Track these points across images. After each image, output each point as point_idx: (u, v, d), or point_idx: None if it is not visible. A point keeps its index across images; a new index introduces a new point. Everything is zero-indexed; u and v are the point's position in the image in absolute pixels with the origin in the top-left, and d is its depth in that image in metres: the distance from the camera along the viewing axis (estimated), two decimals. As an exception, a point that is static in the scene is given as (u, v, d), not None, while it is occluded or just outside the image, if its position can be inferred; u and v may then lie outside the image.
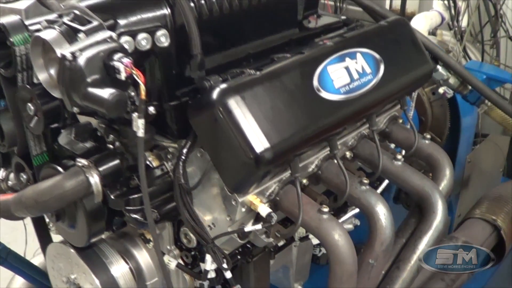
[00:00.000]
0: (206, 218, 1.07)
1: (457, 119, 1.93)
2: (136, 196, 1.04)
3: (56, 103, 1.06)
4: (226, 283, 1.11)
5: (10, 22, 1.03)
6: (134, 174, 1.06)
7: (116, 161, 1.05)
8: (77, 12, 0.97)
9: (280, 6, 1.19)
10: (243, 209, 1.02)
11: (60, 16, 0.99)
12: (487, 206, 1.70)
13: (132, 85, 0.91)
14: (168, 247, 1.17)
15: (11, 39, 1.02)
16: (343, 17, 1.37)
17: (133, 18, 0.97)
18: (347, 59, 1.11)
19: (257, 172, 0.95)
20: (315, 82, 1.04)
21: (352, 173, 1.17)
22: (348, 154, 1.23)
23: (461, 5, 2.36)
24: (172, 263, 1.14)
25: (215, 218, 1.06)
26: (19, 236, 1.93)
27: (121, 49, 0.92)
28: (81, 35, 0.95)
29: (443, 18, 2.16)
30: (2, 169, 1.28)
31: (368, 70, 1.14)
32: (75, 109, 0.96)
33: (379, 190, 1.31)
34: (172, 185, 1.04)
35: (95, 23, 0.97)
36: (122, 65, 0.88)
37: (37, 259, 1.75)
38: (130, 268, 1.17)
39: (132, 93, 0.91)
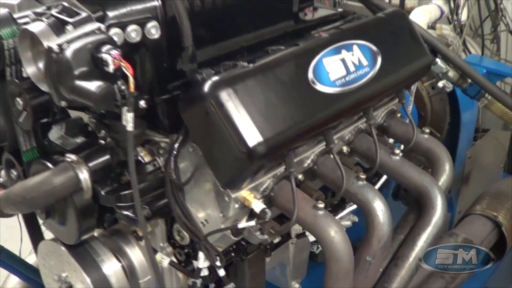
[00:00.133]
0: (199, 215, 1.05)
1: (457, 114, 1.90)
2: (127, 192, 1.02)
3: (45, 98, 1.04)
4: (220, 281, 1.08)
5: (-2, 15, 1.01)
6: (125, 170, 1.04)
7: (107, 157, 1.03)
8: (65, 4, 0.95)
9: (275, -3, 1.16)
10: (237, 205, 1.00)
11: (49, 8, 0.97)
12: (488, 202, 1.67)
13: (121, 78, 0.89)
14: (161, 245, 1.14)
15: (-1, 33, 1.00)
16: (340, 10, 1.35)
17: (123, 10, 0.95)
18: (343, 51, 1.09)
19: (250, 167, 0.92)
20: (310, 75, 1.01)
21: (349, 168, 1.14)
22: (345, 148, 1.20)
23: (461, -2, 2.34)
24: (165, 260, 1.11)
25: (208, 215, 1.04)
26: (15, 234, 1.91)
27: (110, 41, 0.90)
28: (69, 27, 0.93)
29: (442, 12, 2.13)
30: (-8, 166, 1.26)
31: (365, 62, 1.11)
32: (63, 103, 0.93)
33: (377, 185, 1.29)
34: (164, 181, 1.01)
35: (83, 14, 0.95)
36: (110, 57, 0.86)
37: (32, 257, 1.73)
38: (122, 266, 1.14)
39: (123, 87, 0.89)
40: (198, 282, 1.07)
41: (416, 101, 1.85)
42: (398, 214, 1.31)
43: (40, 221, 1.28)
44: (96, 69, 0.88)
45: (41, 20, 0.94)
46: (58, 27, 0.93)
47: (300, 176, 1.10)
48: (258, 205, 0.98)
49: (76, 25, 0.93)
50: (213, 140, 0.93)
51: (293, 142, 0.98)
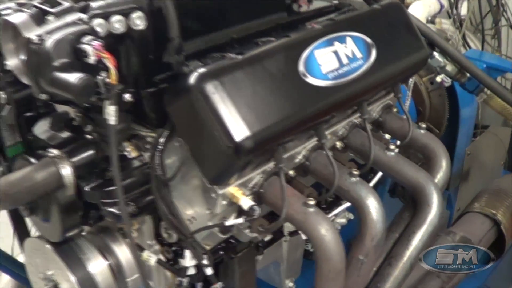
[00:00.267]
0: (187, 212, 1.01)
1: (456, 109, 1.86)
2: (112, 188, 0.99)
3: (29, 91, 1.01)
4: (208, 280, 1.05)
5: (-22, 7, 0.98)
6: (110, 165, 1.01)
7: (91, 152, 1.00)
8: (48, -7, 0.92)
9: (267, -12, 1.13)
10: (224, 202, 0.97)
11: (32, -2, 0.94)
12: (487, 200, 1.64)
13: (104, 70, 0.86)
14: (149, 242, 1.11)
15: (-21, 24, 0.97)
16: (335, 1, 1.31)
17: (107, 0, 0.92)
18: (336, 43, 1.05)
19: (237, 162, 0.89)
20: (301, 67, 0.98)
21: (342, 164, 1.11)
22: (338, 144, 1.17)
23: (461, -9, 2.30)
24: (152, 258, 1.08)
25: (196, 212, 1.00)
26: (8, 231, 1.88)
27: (92, 31, 0.87)
28: (50, 17, 0.90)
29: (442, 6, 2.09)
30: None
31: (358, 54, 1.07)
32: (44, 96, 0.91)
33: (373, 182, 1.26)
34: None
35: (65, 4, 0.92)
36: (91, 48, 0.83)
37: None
38: (109, 265, 1.11)
39: (108, 79, 0.86)
40: (185, 281, 1.04)
41: (415, 96, 1.81)
42: (396, 211, 1.28)
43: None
44: (78, 61, 0.85)
45: (23, 11, 0.91)
46: (40, 17, 0.91)
47: (291, 172, 1.06)
48: (246, 202, 0.95)
49: (58, 15, 0.90)
50: (198, 135, 0.90)
51: (282, 136, 0.95)
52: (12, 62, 0.94)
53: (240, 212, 1.00)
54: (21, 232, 1.28)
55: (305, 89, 0.97)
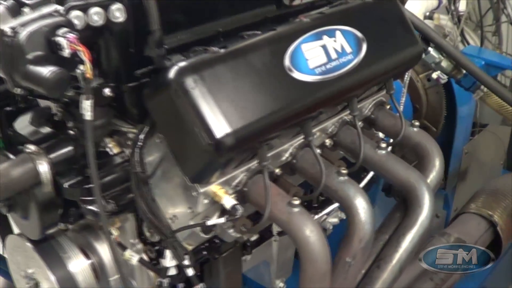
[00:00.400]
0: (168, 210, 0.98)
1: (454, 107, 1.82)
2: (91, 185, 0.96)
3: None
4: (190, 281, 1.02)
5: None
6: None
7: (69, 148, 0.97)
8: (25, -15, 0.89)
9: (255, -21, 1.09)
10: (206, 201, 0.94)
11: (10, -10, 0.91)
12: (484, 201, 1.60)
13: (81, 64, 0.83)
14: (132, 241, 1.08)
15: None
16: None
17: (85, -9, 0.88)
18: (325, 37, 1.01)
19: (218, 160, 0.86)
20: (287, 62, 0.94)
21: (331, 162, 1.07)
22: (328, 141, 1.14)
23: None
24: (134, 258, 1.05)
25: (177, 210, 0.97)
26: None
27: (67, 23, 0.83)
28: (26, 9, 0.87)
29: (440, 1, 2.05)
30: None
31: (348, 49, 1.04)
32: (18, 90, 0.88)
33: (364, 181, 1.23)
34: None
35: (42, -5, 0.89)
36: (66, 40, 0.80)
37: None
38: (91, 264, 1.09)
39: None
40: (165, 281, 1.01)
41: (411, 93, 1.77)
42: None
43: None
44: (53, 54, 0.82)
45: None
46: (16, 9, 0.88)
47: (277, 171, 1.03)
48: (228, 201, 0.92)
49: (34, 7, 0.87)
50: (178, 131, 0.87)
51: (265, 134, 0.92)
52: (-11, 56, 0.91)
53: (223, 211, 0.97)
54: (3, 229, 1.25)
55: (290, 84, 0.93)
